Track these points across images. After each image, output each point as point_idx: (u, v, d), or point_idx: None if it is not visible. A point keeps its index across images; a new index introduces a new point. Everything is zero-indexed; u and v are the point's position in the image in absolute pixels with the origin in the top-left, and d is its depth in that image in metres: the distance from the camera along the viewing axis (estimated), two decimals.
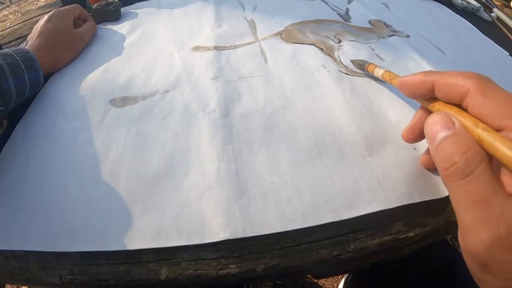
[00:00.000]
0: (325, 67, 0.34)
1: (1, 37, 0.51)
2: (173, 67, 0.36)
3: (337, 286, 0.68)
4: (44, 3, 0.64)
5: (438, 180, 0.25)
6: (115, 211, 0.24)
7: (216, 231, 0.22)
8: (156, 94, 0.33)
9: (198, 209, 0.23)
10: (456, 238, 0.20)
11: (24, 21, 0.54)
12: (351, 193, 0.24)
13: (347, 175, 0.25)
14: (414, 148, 0.27)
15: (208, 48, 0.38)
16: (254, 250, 0.22)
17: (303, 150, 0.26)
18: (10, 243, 0.24)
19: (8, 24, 0.54)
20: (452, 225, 0.24)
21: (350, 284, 0.55)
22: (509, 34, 0.43)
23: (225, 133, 0.28)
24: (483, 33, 0.42)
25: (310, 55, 0.36)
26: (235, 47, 0.38)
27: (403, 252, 0.23)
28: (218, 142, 0.27)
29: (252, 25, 0.43)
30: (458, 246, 0.18)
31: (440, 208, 0.24)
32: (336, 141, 0.27)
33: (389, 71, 0.29)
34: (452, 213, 0.24)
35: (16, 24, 0.53)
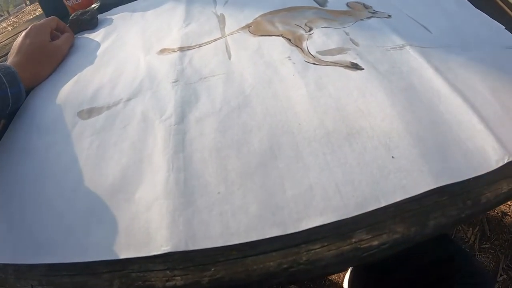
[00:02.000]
0: (290, 59, 0.32)
1: None
2: (138, 73, 0.36)
3: (343, 277, 0.67)
4: (41, 12, 0.65)
5: (410, 176, 0.22)
6: (75, 225, 0.25)
7: (160, 243, 0.22)
8: (119, 103, 0.33)
9: (145, 221, 0.23)
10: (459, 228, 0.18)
11: (14, 35, 0.56)
12: (302, 203, 0.22)
13: (300, 181, 0.23)
14: (393, 157, 0.24)
15: (173, 50, 0.38)
16: (198, 262, 0.22)
17: (256, 153, 0.25)
18: None
19: None
20: (428, 230, 0.21)
21: (355, 277, 0.54)
22: (505, 7, 0.37)
23: (177, 141, 0.27)
24: (477, 6, 0.37)
25: (276, 47, 0.34)
26: (200, 45, 0.37)
27: (369, 261, 0.21)
28: (170, 151, 0.26)
29: (221, 20, 0.41)
30: (468, 240, 0.16)
31: (414, 212, 0.22)
32: (293, 140, 0.26)
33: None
34: (428, 216, 0.21)
35: (6, 39, 0.55)
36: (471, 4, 0.38)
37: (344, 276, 0.66)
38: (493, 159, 0.23)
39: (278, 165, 0.24)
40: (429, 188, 0.22)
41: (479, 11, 0.37)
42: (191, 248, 0.21)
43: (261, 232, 0.21)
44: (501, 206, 0.72)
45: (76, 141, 0.31)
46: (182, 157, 0.26)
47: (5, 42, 0.55)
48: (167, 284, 0.21)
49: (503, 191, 0.22)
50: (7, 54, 0.51)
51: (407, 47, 0.33)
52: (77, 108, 0.34)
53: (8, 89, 0.34)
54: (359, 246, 0.21)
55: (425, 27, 0.36)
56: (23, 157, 0.32)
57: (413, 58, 0.32)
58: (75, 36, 0.46)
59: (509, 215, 0.72)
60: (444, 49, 0.33)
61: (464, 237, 0.69)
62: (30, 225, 0.26)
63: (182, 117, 0.29)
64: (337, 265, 0.21)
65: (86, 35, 0.47)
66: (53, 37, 0.44)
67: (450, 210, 0.22)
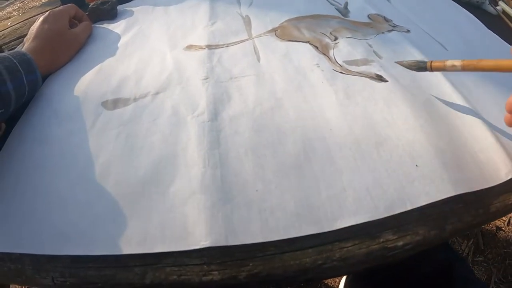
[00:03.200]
0: (318, 66, 0.33)
1: (2, 37, 0.51)
2: (165, 67, 0.36)
3: (339, 282, 0.68)
4: (47, 0, 0.64)
5: (433, 183, 0.24)
6: (103, 216, 0.25)
7: (199, 238, 0.22)
8: (147, 95, 0.33)
9: (182, 215, 0.23)
10: (454, 240, 0.19)
11: (25, 20, 0.54)
12: (337, 203, 0.23)
13: (334, 183, 0.24)
14: (416, 165, 0.25)
15: (200, 47, 0.38)
16: (236, 257, 0.22)
17: (290, 154, 0.26)
18: (4, 245, 0.24)
19: (9, 23, 0.54)
20: (445, 234, 0.23)
21: (351, 283, 0.55)
22: None
23: (212, 137, 0.27)
24: (488, 26, 0.40)
25: (304, 53, 0.35)
26: (228, 45, 0.38)
27: (392, 261, 0.23)
28: (204, 147, 0.27)
29: (247, 22, 0.42)
30: (462, 252, 0.17)
31: (434, 216, 0.23)
32: (325, 145, 0.27)
33: (465, 60, 0.26)
34: (446, 221, 0.23)
35: (17, 23, 0.54)
36: (482, 24, 0.41)
37: (339, 281, 0.67)
38: (503, 172, 0.25)
39: (312, 167, 0.25)
40: (449, 195, 0.24)
41: (490, 31, 0.39)
42: (231, 243, 0.22)
43: (299, 229, 0.22)
44: (496, 221, 0.75)
45: (101, 131, 0.31)
46: (218, 154, 0.26)
47: (16, 26, 0.53)
48: (204, 278, 0.22)
49: (510, 202, 0.24)
50: (18, 38, 0.50)
51: None
52: (101, 98, 0.34)
53: (24, 77, 0.33)
54: (386, 245, 0.22)
55: (441, 44, 0.38)
56: (41, 145, 0.31)
57: (432, 74, 0.33)
58: (93, 25, 0.46)
59: (503, 230, 0.75)
60: None
61: (459, 249, 0.71)
62: (51, 214, 0.26)
63: (215, 114, 0.29)
64: (366, 263, 0.22)
65: (105, 25, 0.46)
66: (71, 25, 0.43)
67: (465, 217, 0.24)
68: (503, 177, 0.25)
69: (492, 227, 0.75)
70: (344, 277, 0.63)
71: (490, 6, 0.44)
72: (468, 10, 0.43)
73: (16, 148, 0.31)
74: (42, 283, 0.24)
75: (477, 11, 0.44)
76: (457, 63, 0.27)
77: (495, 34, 0.39)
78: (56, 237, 0.24)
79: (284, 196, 0.23)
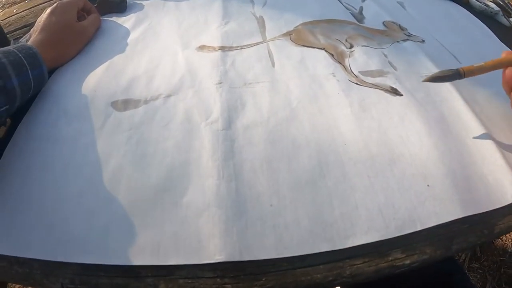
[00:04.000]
0: (334, 76, 0.33)
1: (7, 25, 0.49)
2: (177, 68, 0.35)
3: None
4: None
5: (443, 204, 0.24)
6: (114, 224, 0.24)
7: (213, 252, 0.22)
8: (158, 98, 0.32)
9: (196, 228, 0.23)
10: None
11: (31, 7, 0.52)
12: (349, 221, 0.23)
13: (347, 200, 0.24)
14: (428, 185, 0.25)
15: (213, 48, 0.37)
16: (250, 272, 0.22)
17: (305, 169, 0.26)
18: (11, 249, 0.24)
19: (14, 10, 0.52)
20: (450, 253, 0.23)
21: None
22: None
23: (226, 147, 0.27)
24: (500, 38, 0.40)
25: (320, 61, 0.35)
26: (242, 47, 0.37)
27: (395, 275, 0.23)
28: (219, 157, 0.26)
29: (261, 23, 0.41)
30: (458, 258, 0.18)
31: (441, 236, 0.24)
32: (340, 160, 0.27)
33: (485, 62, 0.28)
34: (452, 241, 0.24)
35: (23, 11, 0.52)
36: (496, 37, 0.40)
37: None
38: (510, 194, 0.25)
39: (326, 183, 0.25)
40: (458, 217, 0.24)
41: (503, 44, 0.39)
42: (246, 258, 0.22)
43: (312, 246, 0.22)
44: None
45: (111, 133, 0.30)
46: (232, 165, 0.26)
47: (22, 13, 0.51)
48: None
49: None
50: (23, 27, 0.48)
51: None
52: (111, 97, 0.33)
53: (30, 72, 0.32)
54: (394, 264, 0.23)
55: (455, 57, 0.38)
56: (49, 143, 0.30)
57: (446, 89, 0.33)
58: (101, 18, 0.44)
59: (500, 239, 0.76)
60: (472, 80, 0.35)
61: (455, 255, 0.72)
62: (61, 219, 0.25)
63: (229, 123, 0.29)
64: (373, 278, 0.22)
65: (114, 18, 0.45)
66: (79, 17, 0.41)
67: (470, 237, 0.24)
68: (509, 199, 0.25)
69: None
70: None
71: (503, 17, 0.44)
72: (481, 20, 0.43)
73: (21, 147, 0.30)
74: None
75: (490, 21, 0.44)
76: (482, 64, 0.28)
77: (507, 47, 0.38)
78: (66, 244, 0.24)
79: (298, 211, 0.24)
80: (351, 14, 0.42)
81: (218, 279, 0.22)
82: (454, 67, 0.36)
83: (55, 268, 0.24)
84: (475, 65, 0.28)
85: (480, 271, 0.71)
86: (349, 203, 0.24)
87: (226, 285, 0.22)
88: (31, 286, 0.25)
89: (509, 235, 0.76)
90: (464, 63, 0.37)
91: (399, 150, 0.28)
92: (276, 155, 0.26)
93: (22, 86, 0.32)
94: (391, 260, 0.23)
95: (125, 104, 0.32)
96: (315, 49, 0.36)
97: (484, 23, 0.43)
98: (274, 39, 0.38)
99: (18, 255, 0.24)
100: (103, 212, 0.25)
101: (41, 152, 0.30)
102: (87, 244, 0.24)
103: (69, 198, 0.26)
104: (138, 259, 0.23)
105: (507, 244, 0.75)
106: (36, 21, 0.39)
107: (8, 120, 0.34)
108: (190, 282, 0.22)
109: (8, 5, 0.55)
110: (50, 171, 0.28)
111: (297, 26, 0.39)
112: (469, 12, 0.45)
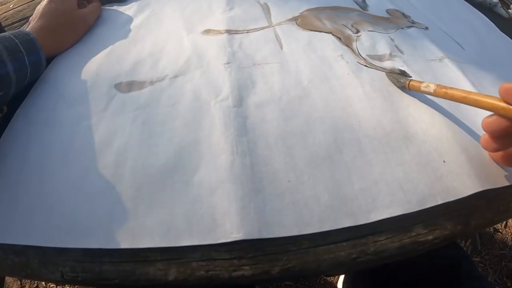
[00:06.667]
0: (343, 58, 0.32)
1: (4, 19, 0.48)
2: (183, 51, 0.34)
3: (337, 280, 0.69)
4: None
5: (460, 179, 0.24)
6: (120, 206, 0.23)
7: (230, 230, 0.21)
8: (164, 79, 0.31)
9: (210, 206, 0.22)
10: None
11: (28, 2, 0.51)
12: (370, 196, 0.22)
13: (366, 175, 0.23)
14: (444, 161, 0.25)
15: (219, 32, 0.36)
16: (269, 251, 0.21)
17: (321, 145, 0.25)
18: (8, 237, 0.22)
19: (11, 6, 0.51)
20: (470, 229, 0.23)
21: (358, 281, 0.55)
22: None
23: (239, 124, 0.26)
24: (499, 29, 0.40)
25: (328, 44, 0.34)
26: (248, 31, 0.36)
27: (417, 254, 0.22)
28: (232, 133, 0.25)
29: (266, 9, 0.40)
30: (465, 245, 0.17)
31: (459, 211, 0.23)
32: (355, 137, 0.26)
33: (441, 86, 0.26)
34: (471, 217, 0.23)
35: (20, 6, 0.50)
36: (496, 27, 0.41)
37: (338, 276, 0.67)
38: None
39: (344, 158, 0.24)
40: (476, 190, 0.24)
41: (503, 34, 0.40)
42: (265, 236, 0.20)
43: (334, 222, 0.21)
44: None
45: (115, 115, 0.29)
46: (246, 141, 0.25)
47: (19, 8, 0.50)
48: (234, 274, 0.20)
49: None
50: (21, 20, 0.46)
51: (446, 60, 0.35)
52: (114, 80, 0.32)
53: (26, 58, 0.31)
54: (417, 239, 0.22)
55: (458, 43, 0.38)
56: (49, 127, 0.29)
57: (452, 71, 0.33)
58: (102, 7, 0.43)
59: (501, 232, 0.77)
60: (477, 66, 0.35)
61: (460, 241, 0.72)
62: (61, 202, 0.23)
63: (240, 100, 0.28)
64: (398, 256, 0.22)
65: (115, 7, 0.44)
66: (79, 5, 0.40)
67: (487, 213, 0.23)
68: None
69: (490, 229, 0.76)
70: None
71: (502, 9, 0.45)
72: (480, 12, 0.44)
73: (19, 133, 0.29)
74: (49, 278, 0.22)
75: (489, 13, 0.44)
76: (432, 86, 0.27)
77: (507, 37, 0.39)
78: (67, 228, 0.22)
79: (317, 187, 0.22)
80: (355, 1, 0.42)
81: (235, 261, 0.21)
82: (459, 53, 0.37)
83: (54, 256, 0.22)
84: (422, 83, 0.27)
85: (481, 264, 0.71)
86: (369, 178, 0.23)
87: (244, 267, 0.20)
88: (28, 277, 0.23)
89: (509, 229, 0.77)
90: (468, 50, 0.38)
91: (413, 128, 0.27)
92: (291, 132, 0.26)
93: (17, 73, 0.30)
94: (414, 236, 0.22)
95: (130, 85, 0.31)
96: (322, 33, 0.36)
97: (483, 14, 0.43)
98: (280, 23, 0.38)
99: (15, 243, 0.22)
100: (107, 194, 0.23)
101: (39, 137, 0.28)
102: (89, 228, 0.22)
103: (70, 181, 0.25)
104: (146, 241, 0.21)
105: (507, 238, 0.76)
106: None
107: (5, 108, 0.32)
108: (205, 265, 0.21)
109: (5, 1, 0.53)
110: (49, 155, 0.27)
111: (302, 12, 0.39)
112: (469, 4, 0.46)
